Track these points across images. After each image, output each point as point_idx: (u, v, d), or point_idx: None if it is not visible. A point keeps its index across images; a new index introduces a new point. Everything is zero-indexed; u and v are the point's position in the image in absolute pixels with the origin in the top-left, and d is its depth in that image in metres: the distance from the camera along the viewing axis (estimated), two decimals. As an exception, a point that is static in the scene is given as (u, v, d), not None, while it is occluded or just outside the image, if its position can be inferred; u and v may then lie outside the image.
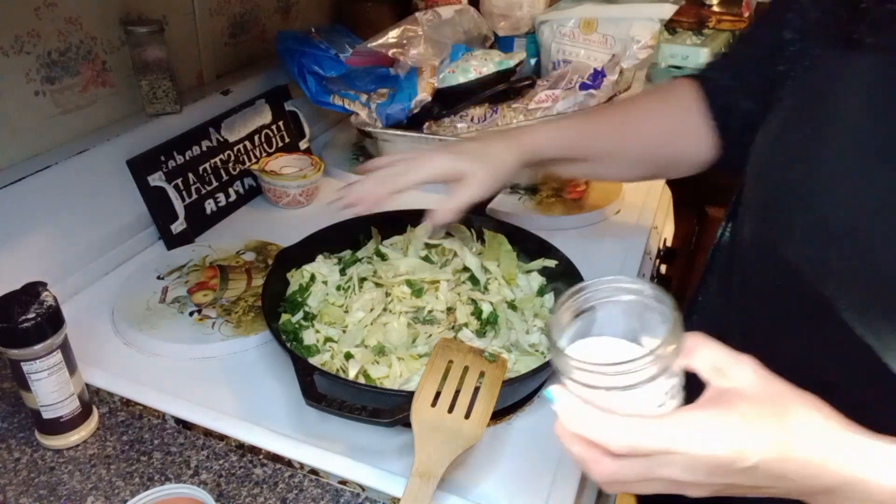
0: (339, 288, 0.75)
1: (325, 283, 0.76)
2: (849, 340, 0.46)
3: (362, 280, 0.75)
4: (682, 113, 0.71)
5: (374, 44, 1.09)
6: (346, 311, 0.72)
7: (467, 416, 0.55)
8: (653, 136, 0.72)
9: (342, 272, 0.78)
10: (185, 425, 0.61)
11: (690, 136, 0.71)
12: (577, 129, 0.68)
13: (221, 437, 0.60)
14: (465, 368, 0.58)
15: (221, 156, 0.98)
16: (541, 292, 0.77)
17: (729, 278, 0.63)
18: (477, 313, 0.72)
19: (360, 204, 0.70)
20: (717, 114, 0.70)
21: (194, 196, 0.93)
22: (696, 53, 1.38)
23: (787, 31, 0.62)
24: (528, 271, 0.79)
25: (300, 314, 0.72)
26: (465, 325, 0.71)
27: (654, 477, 0.39)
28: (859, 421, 0.44)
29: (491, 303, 0.73)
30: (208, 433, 0.61)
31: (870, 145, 0.46)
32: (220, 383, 0.67)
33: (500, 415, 0.64)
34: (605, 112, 0.71)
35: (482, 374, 0.58)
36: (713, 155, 0.72)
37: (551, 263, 0.78)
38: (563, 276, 0.76)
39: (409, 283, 0.74)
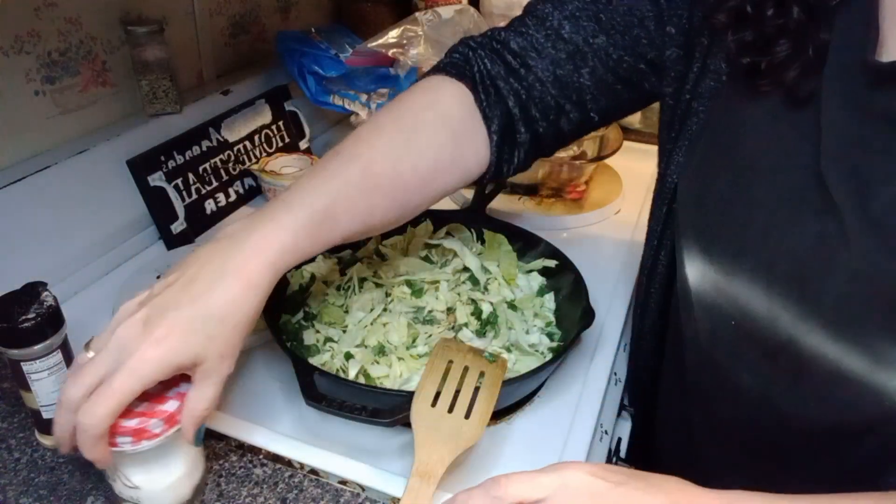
0: (339, 288, 0.75)
1: (325, 283, 0.76)
2: (818, 370, 0.48)
3: (362, 280, 0.75)
4: (462, 133, 0.59)
5: (374, 44, 1.09)
6: (346, 311, 0.72)
7: (467, 416, 0.55)
8: (438, 182, 0.59)
9: (342, 272, 0.78)
10: (185, 425, 0.61)
11: (469, 159, 0.61)
12: (341, 213, 0.52)
13: (221, 437, 0.60)
14: (465, 368, 0.58)
15: (221, 156, 0.98)
16: (541, 292, 0.77)
17: (677, 315, 0.63)
18: (477, 313, 0.72)
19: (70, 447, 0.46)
20: (499, 129, 0.60)
21: (194, 196, 0.93)
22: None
23: (670, 48, 0.57)
24: (528, 271, 0.79)
25: (300, 314, 0.72)
26: (465, 325, 0.71)
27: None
28: (805, 450, 0.49)
29: (491, 303, 0.73)
30: (208, 433, 0.60)
31: (791, 196, 0.48)
32: (220, 383, 0.67)
33: (500, 415, 0.64)
34: (375, 176, 0.54)
35: (482, 374, 0.58)
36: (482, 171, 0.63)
37: (551, 263, 0.78)
38: (563, 276, 0.76)
39: (409, 283, 0.74)
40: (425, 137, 0.58)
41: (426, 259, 0.79)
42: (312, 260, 0.78)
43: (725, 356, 0.57)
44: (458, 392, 0.56)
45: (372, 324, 0.70)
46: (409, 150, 0.57)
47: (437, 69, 0.63)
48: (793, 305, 0.48)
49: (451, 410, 0.55)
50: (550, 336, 0.72)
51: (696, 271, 0.56)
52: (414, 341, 0.68)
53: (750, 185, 0.50)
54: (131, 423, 0.46)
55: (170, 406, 0.48)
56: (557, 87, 0.60)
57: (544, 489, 0.41)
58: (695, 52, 0.56)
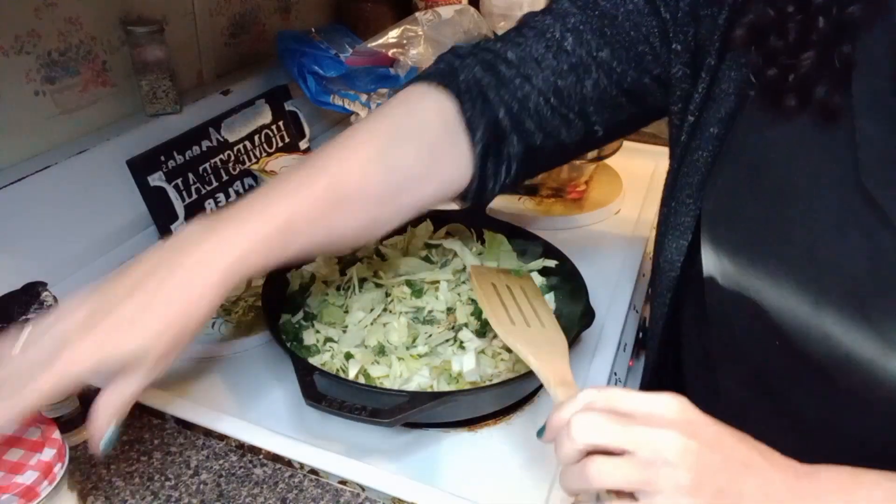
0: (339, 288, 0.75)
1: (325, 283, 0.76)
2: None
3: (362, 280, 0.75)
4: (440, 144, 0.57)
5: (374, 44, 1.09)
6: (346, 311, 0.72)
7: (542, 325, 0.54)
8: (410, 196, 0.57)
9: (342, 272, 0.78)
10: (185, 425, 0.61)
11: (447, 172, 0.58)
12: (309, 214, 0.51)
13: (221, 437, 0.60)
14: (508, 288, 0.57)
15: (221, 156, 0.98)
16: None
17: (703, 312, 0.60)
18: (477, 313, 0.72)
19: None
20: (483, 139, 0.57)
21: (194, 196, 0.93)
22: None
23: (676, 66, 0.56)
24: (529, 271, 0.79)
25: (300, 314, 0.72)
26: (465, 325, 0.71)
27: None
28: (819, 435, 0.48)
29: (491, 303, 0.73)
30: (208, 433, 0.60)
31: (834, 214, 0.46)
32: (220, 383, 0.67)
33: (499, 415, 0.64)
34: (341, 189, 0.52)
35: (522, 289, 0.57)
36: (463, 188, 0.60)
37: (551, 263, 0.78)
38: (563, 276, 0.76)
39: (409, 283, 0.74)
40: (399, 149, 0.56)
41: (426, 259, 0.79)
42: (312, 260, 0.78)
43: (778, 379, 0.54)
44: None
45: (372, 324, 0.70)
46: (380, 162, 0.54)
47: (421, 77, 0.61)
48: (848, 322, 0.46)
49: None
50: (550, 336, 0.72)
51: (732, 294, 0.54)
52: (414, 341, 0.69)
53: (786, 205, 0.49)
54: None
55: (27, 478, 0.41)
56: (558, 98, 0.59)
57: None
58: (701, 72, 0.54)
